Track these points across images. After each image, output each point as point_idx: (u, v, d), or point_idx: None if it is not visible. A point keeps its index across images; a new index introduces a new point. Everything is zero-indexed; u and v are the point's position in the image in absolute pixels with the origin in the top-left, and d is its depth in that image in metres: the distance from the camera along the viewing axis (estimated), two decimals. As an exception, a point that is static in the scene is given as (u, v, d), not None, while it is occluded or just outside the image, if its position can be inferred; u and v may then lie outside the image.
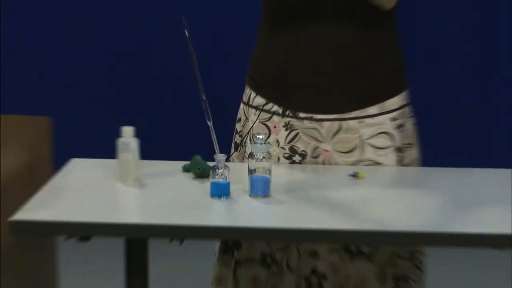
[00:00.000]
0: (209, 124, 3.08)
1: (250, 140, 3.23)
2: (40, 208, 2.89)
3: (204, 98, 3.07)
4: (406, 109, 3.37)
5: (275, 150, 3.33)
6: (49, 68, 5.44)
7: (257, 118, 3.36)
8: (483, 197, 3.05)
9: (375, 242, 3.11)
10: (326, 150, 3.33)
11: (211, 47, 5.10)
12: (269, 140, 3.30)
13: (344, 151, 3.32)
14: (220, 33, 5.16)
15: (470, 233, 2.77)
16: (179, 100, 5.19)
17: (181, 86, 5.01)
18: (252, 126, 3.37)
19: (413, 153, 3.39)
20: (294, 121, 3.32)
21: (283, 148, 3.34)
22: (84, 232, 2.84)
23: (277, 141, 3.34)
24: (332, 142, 3.32)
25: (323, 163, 3.33)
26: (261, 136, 2.99)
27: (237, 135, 3.44)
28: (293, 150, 3.34)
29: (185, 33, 3.04)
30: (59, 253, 3.58)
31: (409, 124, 3.38)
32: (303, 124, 3.32)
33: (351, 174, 3.18)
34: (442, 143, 5.31)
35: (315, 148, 3.33)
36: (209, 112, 3.08)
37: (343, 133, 3.31)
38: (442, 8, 5.56)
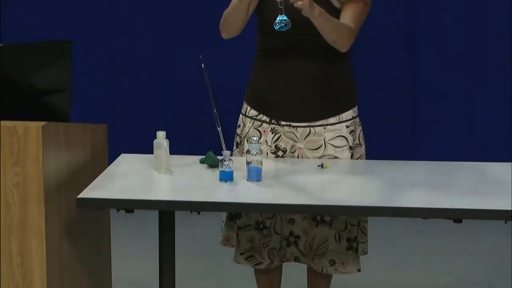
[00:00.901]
0: (218, 129, 3.12)
1: (247, 141, 3.23)
2: (98, 189, 2.93)
3: (215, 111, 3.11)
4: (357, 119, 3.38)
5: (264, 147, 3.33)
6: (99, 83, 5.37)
7: (252, 125, 3.37)
8: (410, 182, 3.04)
9: (334, 213, 3.15)
10: (300, 148, 3.34)
11: (220, 75, 5.08)
12: (260, 140, 3.28)
13: (313, 148, 3.33)
14: (227, 65, 5.12)
15: (399, 207, 2.80)
16: (199, 112, 5.15)
17: (200, 102, 4.98)
18: (248, 131, 3.36)
19: (361, 150, 3.40)
20: (277, 127, 3.33)
21: (270, 146, 3.34)
22: (129, 206, 2.91)
23: (266, 141, 3.34)
24: (304, 142, 3.33)
25: (298, 157, 3.33)
26: (254, 138, 3.03)
27: (237, 137, 3.42)
28: (277, 147, 3.34)
29: (201, 67, 3.08)
30: (112, 222, 3.59)
31: (358, 130, 3.39)
32: (284, 129, 3.32)
33: (319, 165, 3.21)
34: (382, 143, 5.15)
35: (292, 146, 3.33)
36: (218, 120, 3.12)
37: (312, 136, 3.32)
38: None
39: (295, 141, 3.34)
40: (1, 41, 5.00)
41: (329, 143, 3.33)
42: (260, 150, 3.03)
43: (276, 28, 3.07)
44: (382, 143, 5.06)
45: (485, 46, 5.18)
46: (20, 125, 2.84)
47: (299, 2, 3.02)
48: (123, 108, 5.36)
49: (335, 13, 3.23)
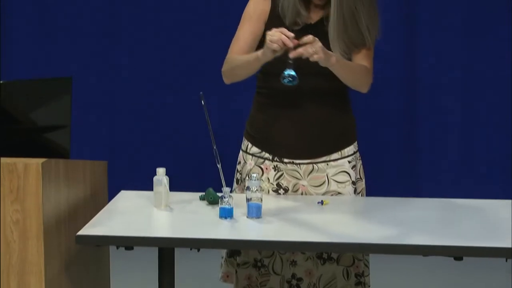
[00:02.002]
0: (218, 166, 3.10)
1: (248, 178, 3.26)
2: (98, 226, 2.92)
3: (214, 148, 3.10)
4: (357, 154, 3.39)
5: (266, 185, 3.33)
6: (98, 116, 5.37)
7: (254, 162, 3.36)
8: (410, 219, 3.05)
9: (333, 250, 3.13)
10: (303, 185, 3.33)
11: (220, 111, 5.10)
12: (262, 178, 3.30)
13: (316, 185, 3.33)
14: (227, 102, 5.15)
15: (399, 244, 2.79)
16: (199, 149, 5.16)
17: (200, 139, 5.00)
18: (250, 169, 3.35)
19: (362, 184, 3.40)
20: (280, 165, 3.32)
21: (272, 183, 3.34)
22: (129, 243, 2.87)
23: (268, 178, 3.33)
24: (307, 179, 3.32)
25: (301, 194, 3.33)
26: (254, 175, 3.02)
27: (238, 173, 3.42)
28: (279, 185, 3.34)
29: (202, 103, 3.09)
30: (111, 259, 3.59)
31: (359, 165, 3.40)
32: (287, 166, 3.32)
33: (319, 202, 3.21)
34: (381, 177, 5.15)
35: (295, 184, 3.33)
36: (218, 157, 3.11)
37: (315, 172, 3.32)
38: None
39: (298, 179, 3.33)
40: (2, 78, 5.02)
41: (332, 179, 3.33)
42: (260, 187, 3.02)
43: (284, 82, 3.04)
44: (382, 177, 5.06)
45: (485, 84, 5.20)
46: (20, 161, 2.85)
47: (315, 56, 3.02)
48: (123, 145, 5.37)
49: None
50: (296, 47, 3.02)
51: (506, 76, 5.13)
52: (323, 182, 3.33)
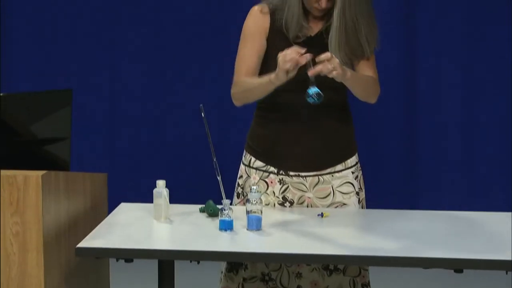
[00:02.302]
0: (218, 178, 3.12)
1: (249, 190, 3.26)
2: (98, 238, 2.92)
3: (214, 160, 3.11)
4: (358, 164, 3.40)
5: (272, 199, 3.33)
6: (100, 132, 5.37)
7: (258, 176, 3.35)
8: (410, 231, 3.04)
9: (333, 262, 3.13)
10: (309, 197, 3.33)
11: (220, 124, 5.10)
12: (266, 192, 3.30)
13: (322, 197, 3.33)
14: (227, 115, 5.15)
15: (399, 257, 2.79)
16: (199, 161, 5.16)
17: (200, 151, 4.99)
18: (256, 183, 3.33)
19: (362, 194, 3.40)
20: (286, 178, 3.32)
21: (277, 197, 3.33)
22: (129, 255, 2.86)
23: (273, 192, 3.33)
24: (313, 191, 3.32)
25: (307, 207, 3.32)
26: (254, 187, 3.03)
27: (239, 187, 3.40)
28: (284, 199, 3.33)
29: (202, 115, 3.10)
30: (111, 271, 3.58)
31: (360, 175, 3.41)
32: (293, 179, 3.31)
33: (319, 214, 3.20)
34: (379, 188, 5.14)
35: (301, 196, 3.33)
36: (218, 169, 3.12)
37: (321, 184, 3.32)
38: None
39: (304, 191, 3.33)
40: (2, 90, 5.03)
41: (337, 190, 3.34)
42: (260, 199, 3.02)
43: (309, 101, 3.03)
44: (381, 188, 5.06)
45: (484, 102, 5.19)
46: (20, 174, 2.85)
47: (334, 72, 3.02)
48: (123, 157, 5.37)
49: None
50: (310, 63, 3.03)
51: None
52: (329, 194, 3.33)
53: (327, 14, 3.22)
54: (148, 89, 5.35)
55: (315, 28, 3.27)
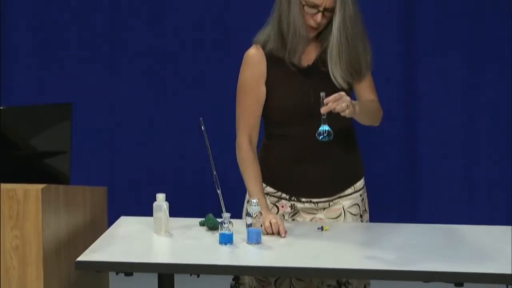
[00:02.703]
0: (218, 192, 3.12)
1: (249, 204, 3.27)
2: (97, 251, 2.92)
3: (214, 173, 3.12)
4: (365, 187, 3.41)
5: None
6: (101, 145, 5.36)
7: (269, 202, 3.31)
8: (411, 245, 3.04)
9: (331, 276, 3.11)
10: (320, 218, 3.32)
11: (219, 136, 5.09)
12: (276, 215, 3.25)
13: (333, 217, 3.33)
14: (226, 127, 5.15)
15: (399, 270, 2.79)
16: (199, 174, 5.16)
17: (200, 165, 4.99)
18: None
19: (366, 216, 3.42)
20: (297, 204, 3.32)
21: (287, 220, 3.32)
22: (128, 269, 2.87)
23: (283, 215, 3.32)
24: (324, 213, 3.33)
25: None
26: (254, 201, 3.04)
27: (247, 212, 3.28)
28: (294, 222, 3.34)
29: (201, 129, 3.12)
30: (111, 285, 3.57)
31: (365, 197, 3.42)
32: (304, 205, 3.32)
33: (319, 228, 3.20)
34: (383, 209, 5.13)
35: (312, 219, 3.33)
36: (218, 183, 3.13)
37: (331, 206, 3.33)
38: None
39: (315, 214, 3.34)
40: (2, 103, 5.03)
41: (348, 211, 3.35)
42: (260, 212, 3.02)
43: (319, 138, 3.06)
44: (381, 201, 5.06)
45: (484, 123, 5.19)
46: (19, 187, 2.85)
47: (347, 111, 3.03)
48: (123, 170, 5.37)
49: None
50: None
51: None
52: (340, 214, 3.35)
53: (320, 39, 3.25)
54: (148, 102, 5.35)
55: (309, 57, 3.28)
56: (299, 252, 2.96)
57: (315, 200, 3.32)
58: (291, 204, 3.33)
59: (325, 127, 3.05)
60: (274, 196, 3.35)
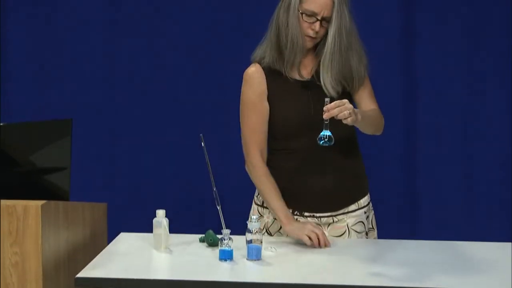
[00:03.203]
0: (218, 208, 3.12)
1: (267, 233, 3.25)
2: (97, 268, 2.91)
3: (214, 189, 3.11)
4: (370, 204, 3.41)
5: (285, 238, 3.29)
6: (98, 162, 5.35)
7: (273, 216, 3.33)
8: (411, 261, 3.03)
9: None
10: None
11: (220, 153, 5.09)
12: (279, 231, 3.29)
13: (337, 235, 3.33)
14: (227, 144, 5.15)
15: (396, 287, 2.78)
16: (199, 190, 5.14)
17: (200, 181, 4.98)
18: (270, 222, 3.33)
19: (374, 234, 3.41)
20: (300, 218, 3.32)
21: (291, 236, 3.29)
22: (128, 285, 2.83)
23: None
24: (328, 230, 3.32)
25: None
26: (254, 217, 3.03)
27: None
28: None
29: (202, 145, 3.11)
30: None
31: (371, 215, 3.42)
32: (307, 220, 3.31)
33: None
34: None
35: None
36: (218, 199, 3.13)
37: (335, 223, 3.33)
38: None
39: None
40: (2, 120, 5.03)
41: (352, 229, 3.35)
42: (260, 228, 3.02)
43: (320, 143, 3.06)
44: (381, 217, 5.06)
45: (485, 135, 5.19)
46: (19, 204, 2.84)
47: (349, 119, 3.03)
48: (123, 186, 5.36)
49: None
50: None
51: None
52: (344, 232, 3.34)
53: (316, 52, 3.27)
54: (148, 118, 5.35)
55: (307, 70, 3.30)
56: (300, 268, 2.96)
57: (318, 214, 3.32)
58: (295, 219, 3.31)
59: (326, 132, 3.06)
60: None
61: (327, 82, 3.23)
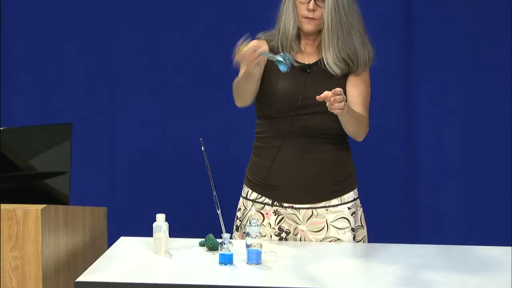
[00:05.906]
0: (218, 212, 3.11)
1: (249, 223, 3.26)
2: (97, 272, 2.90)
3: (214, 194, 3.11)
4: (357, 201, 3.39)
5: (268, 230, 3.33)
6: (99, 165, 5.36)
7: (254, 208, 3.36)
8: (410, 265, 3.03)
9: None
10: (302, 230, 3.33)
11: (220, 157, 5.10)
12: (263, 223, 3.30)
13: (315, 230, 3.32)
14: (227, 148, 5.15)
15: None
16: (199, 195, 5.15)
17: (200, 185, 4.98)
18: (251, 214, 3.36)
19: (363, 232, 3.39)
20: (280, 209, 3.33)
21: (273, 228, 3.33)
22: (128, 290, 2.89)
23: (269, 223, 3.33)
24: (306, 224, 3.32)
25: (300, 240, 3.32)
26: (254, 221, 3.03)
27: (238, 220, 3.42)
28: (280, 229, 3.33)
29: (201, 149, 3.10)
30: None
31: (360, 212, 3.40)
32: (286, 211, 3.32)
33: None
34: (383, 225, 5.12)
35: (295, 228, 3.33)
36: (218, 203, 3.12)
37: (314, 217, 3.32)
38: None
39: (298, 223, 3.33)
40: (2, 124, 5.03)
41: (332, 225, 3.33)
42: (260, 232, 3.01)
43: (281, 68, 3.05)
44: (380, 221, 5.05)
45: (485, 135, 5.19)
46: (19, 208, 2.84)
47: (339, 110, 3.05)
48: (123, 191, 5.36)
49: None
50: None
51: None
52: (322, 228, 3.33)
53: (318, 41, 3.27)
54: (148, 123, 5.35)
55: (311, 59, 3.31)
56: (299, 272, 2.95)
57: (296, 206, 3.31)
58: (274, 210, 3.32)
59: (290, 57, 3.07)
60: (258, 202, 3.35)
61: (329, 58, 3.22)
